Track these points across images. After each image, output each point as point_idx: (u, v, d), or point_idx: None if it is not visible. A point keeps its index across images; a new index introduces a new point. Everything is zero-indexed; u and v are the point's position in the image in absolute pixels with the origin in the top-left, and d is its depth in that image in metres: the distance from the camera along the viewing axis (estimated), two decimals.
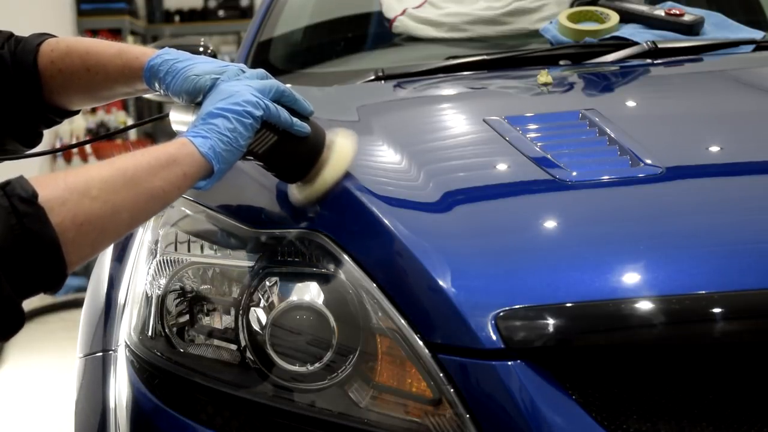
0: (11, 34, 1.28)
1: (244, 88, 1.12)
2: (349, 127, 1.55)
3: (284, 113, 1.14)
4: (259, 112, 1.10)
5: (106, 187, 0.97)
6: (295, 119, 1.15)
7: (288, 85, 1.17)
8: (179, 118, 1.20)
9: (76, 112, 1.33)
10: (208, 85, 1.14)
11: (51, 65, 1.23)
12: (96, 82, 1.24)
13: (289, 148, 1.16)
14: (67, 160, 5.88)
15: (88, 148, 5.92)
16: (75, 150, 5.86)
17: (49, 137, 4.91)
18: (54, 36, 1.29)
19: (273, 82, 1.16)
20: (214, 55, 2.28)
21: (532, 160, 1.25)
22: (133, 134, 6.57)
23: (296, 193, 1.20)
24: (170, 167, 1.03)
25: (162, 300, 1.21)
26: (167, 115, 1.27)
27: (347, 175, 1.20)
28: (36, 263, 0.90)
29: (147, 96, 1.41)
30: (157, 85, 1.19)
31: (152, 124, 7.38)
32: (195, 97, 1.15)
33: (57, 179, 0.95)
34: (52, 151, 1.38)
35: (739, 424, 0.97)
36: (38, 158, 1.35)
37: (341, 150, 1.20)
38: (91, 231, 0.95)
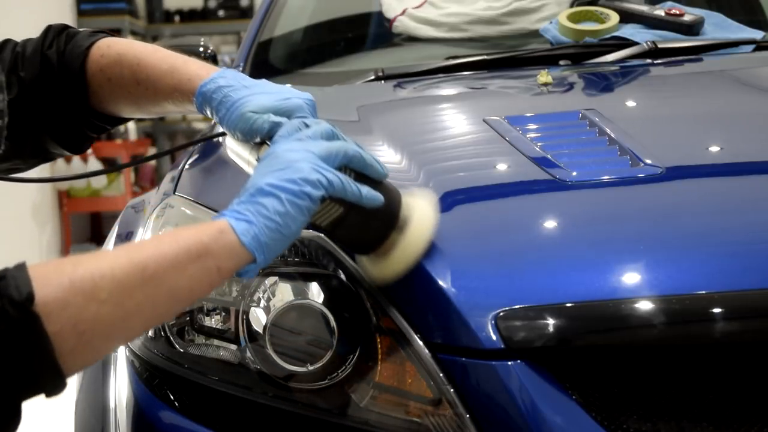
0: (64, 28, 1.22)
1: (304, 156, 0.95)
2: (348, 127, 1.55)
3: (352, 186, 0.97)
4: (318, 193, 0.93)
5: (118, 289, 0.83)
6: (364, 189, 0.98)
7: (356, 147, 1.01)
8: (235, 149, 1.10)
9: (127, 120, 1.27)
10: (265, 129, 1.02)
11: (100, 73, 1.16)
12: (146, 97, 1.16)
13: (358, 221, 0.99)
14: (66, 160, 5.88)
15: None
16: None
17: None
18: (108, 34, 1.21)
19: (340, 147, 0.98)
20: (214, 56, 2.28)
21: (532, 160, 1.25)
22: (133, 134, 6.56)
23: (370, 268, 1.05)
24: (201, 261, 0.87)
25: None
26: (217, 136, 1.19)
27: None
28: (28, 373, 0.79)
29: None
30: (209, 112, 1.09)
31: (153, 123, 7.38)
32: (251, 138, 1.04)
33: (62, 273, 0.82)
34: (49, 180, 1.28)
35: (739, 424, 0.97)
36: (42, 166, 1.30)
37: (421, 216, 1.03)
38: (95, 339, 0.82)
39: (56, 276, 0.81)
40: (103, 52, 1.17)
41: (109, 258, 0.85)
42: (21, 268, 0.81)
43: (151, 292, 0.85)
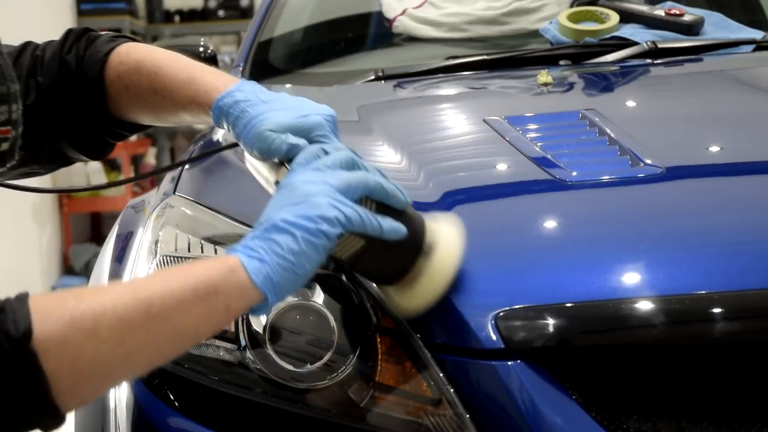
0: (84, 31, 1.20)
1: (321, 189, 0.90)
2: (349, 127, 1.55)
3: (371, 221, 0.92)
4: (335, 231, 0.89)
5: (120, 327, 0.80)
6: (386, 222, 0.94)
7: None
8: (254, 164, 1.08)
9: (147, 127, 1.25)
10: (283, 150, 0.98)
11: (118, 80, 1.15)
12: (163, 107, 1.14)
13: (380, 253, 0.95)
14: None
15: None
16: None
17: None
18: (128, 39, 1.19)
19: (360, 178, 0.93)
20: (214, 56, 2.28)
21: (532, 160, 1.25)
22: (133, 135, 6.55)
23: (397, 299, 1.01)
24: (209, 300, 0.84)
25: None
26: (234, 146, 1.17)
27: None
28: (23, 409, 0.77)
29: None
30: (226, 126, 1.06)
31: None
32: (268, 158, 1.00)
33: (63, 307, 0.79)
34: (55, 191, 1.28)
35: (739, 424, 0.97)
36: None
37: (446, 243, 0.99)
38: (93, 377, 0.80)
39: (57, 311, 0.79)
40: (122, 58, 1.15)
41: (113, 294, 0.82)
42: (22, 300, 0.79)
43: (154, 331, 0.82)
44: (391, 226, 0.94)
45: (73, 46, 1.18)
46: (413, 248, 0.98)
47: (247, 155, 1.09)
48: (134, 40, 1.20)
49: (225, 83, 1.08)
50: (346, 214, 0.90)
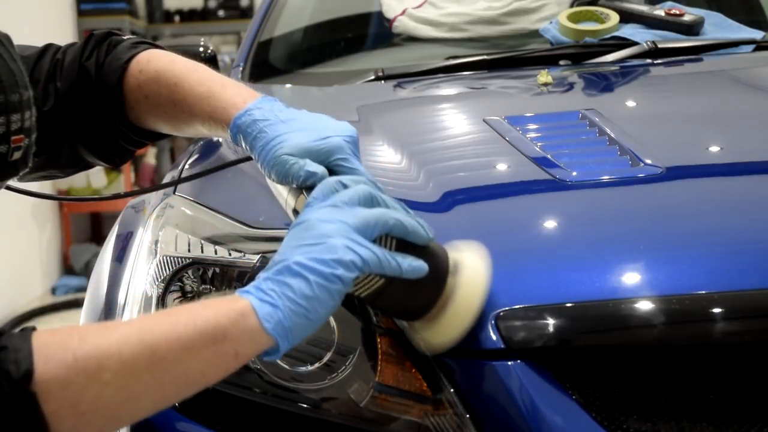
0: (107, 35, 1.19)
1: (338, 228, 0.87)
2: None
3: (390, 261, 0.89)
4: (352, 275, 0.85)
5: (124, 371, 0.78)
6: (405, 262, 0.90)
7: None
8: (275, 185, 1.05)
9: (166, 136, 1.23)
10: (301, 177, 0.96)
11: (137, 89, 1.14)
12: (181, 119, 1.13)
13: (401, 290, 0.92)
14: None
15: None
16: None
17: None
18: (151, 46, 1.18)
19: (379, 216, 0.90)
20: (214, 56, 2.28)
21: (532, 160, 1.25)
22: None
23: (423, 334, 0.98)
24: (218, 345, 0.81)
25: (162, 300, 1.20)
26: (247, 160, 1.15)
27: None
28: None
29: None
30: (244, 145, 1.03)
31: None
32: (286, 183, 0.99)
33: (67, 348, 0.77)
34: (52, 197, 1.28)
35: (739, 424, 0.97)
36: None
37: (471, 278, 0.96)
38: (96, 420, 0.78)
39: (60, 351, 0.77)
40: (142, 67, 1.14)
41: (119, 335, 0.80)
42: (25, 338, 0.78)
43: (159, 376, 0.80)
44: (411, 266, 0.91)
45: (94, 51, 1.17)
46: (436, 283, 0.94)
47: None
48: (156, 46, 1.19)
49: (244, 99, 1.05)
50: (362, 257, 0.86)
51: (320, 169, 0.97)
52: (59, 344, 0.78)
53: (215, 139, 1.61)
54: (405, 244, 0.92)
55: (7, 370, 0.75)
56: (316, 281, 0.84)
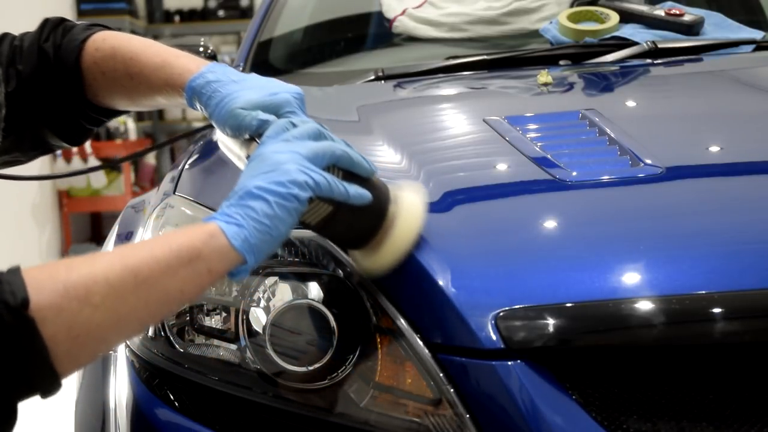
0: (61, 21, 1.23)
1: (291, 157, 0.95)
2: (349, 127, 1.55)
3: (338, 186, 0.98)
4: (306, 194, 0.94)
5: (111, 293, 0.84)
6: (352, 188, 0.99)
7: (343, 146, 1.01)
8: (226, 143, 1.12)
9: (123, 113, 1.28)
10: (254, 126, 1.03)
11: (94, 66, 1.18)
12: (138, 91, 1.18)
13: (347, 218, 1.00)
14: (66, 160, 5.88)
15: (88, 147, 5.92)
16: (75, 149, 5.86)
17: None
18: (104, 28, 1.23)
19: (327, 147, 0.99)
20: (214, 56, 2.28)
21: (532, 160, 1.25)
22: (132, 134, 6.57)
23: (362, 261, 1.07)
24: (193, 264, 0.89)
25: None
26: (208, 128, 1.21)
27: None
28: (24, 375, 0.81)
29: None
30: (199, 107, 1.10)
31: (153, 123, 7.38)
32: (240, 135, 1.05)
33: (56, 278, 0.83)
34: (50, 177, 1.33)
35: (739, 424, 0.97)
36: (40, 161, 1.34)
37: (409, 210, 1.05)
38: (89, 342, 0.84)
39: (50, 281, 0.82)
40: (98, 45, 1.19)
41: (103, 263, 0.86)
42: (15, 272, 0.82)
43: (144, 296, 0.86)
44: (357, 192, 0.99)
45: (50, 34, 1.21)
46: (378, 214, 1.03)
47: (218, 135, 1.13)
48: (109, 29, 1.24)
49: (197, 65, 1.12)
50: (314, 179, 0.95)
51: (271, 117, 1.04)
52: (48, 275, 0.83)
53: (215, 138, 1.61)
54: (351, 176, 1.01)
55: (5, 300, 0.79)
56: (276, 201, 0.93)
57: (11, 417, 0.83)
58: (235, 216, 0.92)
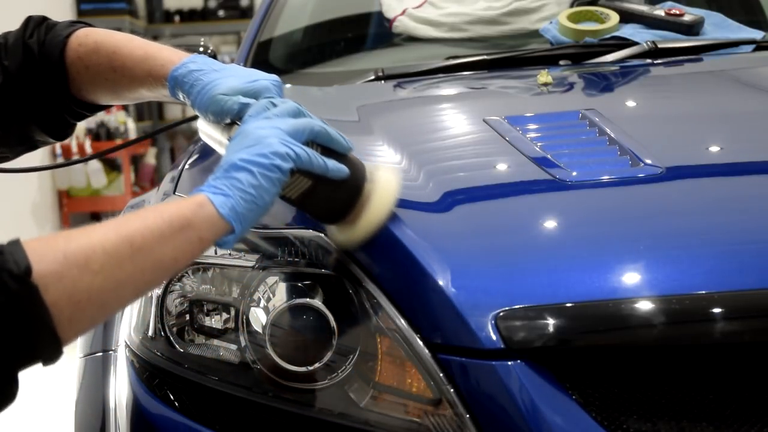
0: (43, 19, 1.26)
1: (272, 132, 1.00)
2: (349, 127, 1.55)
3: (317, 159, 1.03)
4: (287, 165, 0.99)
5: (109, 261, 0.87)
6: (330, 162, 1.04)
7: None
8: (207, 131, 1.15)
9: (106, 107, 1.30)
10: (235, 110, 1.07)
11: (78, 61, 1.20)
12: (122, 84, 1.20)
13: (325, 192, 1.05)
14: (66, 159, 5.89)
15: (87, 148, 5.93)
16: (74, 149, 5.87)
17: None
18: (87, 24, 1.26)
19: (306, 123, 1.04)
20: (214, 56, 2.28)
21: (532, 160, 1.25)
22: (132, 134, 6.57)
23: (337, 234, 1.11)
24: (184, 232, 0.93)
25: (162, 300, 1.21)
26: (193, 119, 1.24)
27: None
28: (28, 342, 0.83)
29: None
30: (181, 96, 1.13)
31: (153, 124, 7.38)
32: (221, 119, 1.09)
33: (56, 247, 0.86)
34: (52, 167, 1.36)
35: (739, 424, 0.97)
36: (38, 151, 1.37)
37: (384, 187, 1.10)
38: (89, 307, 0.87)
39: (50, 250, 0.85)
40: (81, 41, 1.21)
41: (99, 233, 0.89)
42: (16, 243, 0.85)
43: (139, 263, 0.90)
44: (335, 166, 1.04)
45: (34, 31, 1.23)
46: (354, 189, 1.08)
47: (200, 124, 1.15)
48: (91, 26, 1.26)
49: (179, 57, 1.15)
50: (295, 152, 1.00)
51: (252, 101, 1.08)
52: (48, 245, 0.86)
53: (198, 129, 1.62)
54: (329, 152, 1.05)
55: (8, 269, 0.82)
56: (260, 171, 0.97)
57: (13, 387, 0.84)
58: (221, 187, 0.97)
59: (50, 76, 1.21)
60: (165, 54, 1.16)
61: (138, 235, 0.90)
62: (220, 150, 1.12)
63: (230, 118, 1.08)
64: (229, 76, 1.10)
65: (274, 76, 1.12)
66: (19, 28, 1.25)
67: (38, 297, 0.82)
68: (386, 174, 1.11)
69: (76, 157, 5.78)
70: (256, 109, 1.05)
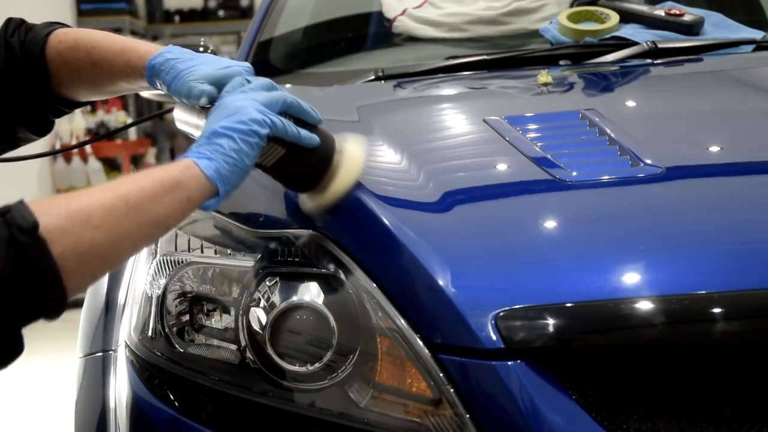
0: (22, 21, 1.28)
1: (249, 103, 1.08)
2: (349, 127, 1.55)
3: (291, 127, 1.10)
4: (264, 131, 1.06)
5: (108, 217, 0.94)
6: (302, 131, 1.11)
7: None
8: (183, 118, 1.20)
9: (85, 104, 1.35)
10: (209, 92, 1.13)
11: (58, 57, 1.24)
12: (100, 77, 1.24)
13: (298, 160, 1.12)
14: (66, 160, 5.89)
15: (88, 148, 5.93)
16: (75, 150, 5.86)
17: (48, 137, 4.90)
18: (64, 25, 1.29)
19: (279, 95, 1.12)
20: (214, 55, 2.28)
21: (532, 160, 1.25)
22: (132, 134, 6.57)
23: (307, 201, 1.18)
24: (174, 192, 1.00)
25: (162, 300, 1.21)
26: (168, 112, 1.27)
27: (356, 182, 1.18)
28: (36, 294, 0.88)
29: (145, 94, 1.41)
30: (158, 84, 1.18)
31: (152, 124, 7.39)
32: (197, 101, 1.14)
33: (59, 206, 0.92)
34: (53, 153, 1.38)
35: (739, 424, 0.97)
36: (39, 151, 1.40)
37: (352, 157, 1.17)
38: (92, 260, 0.93)
39: (54, 208, 0.91)
40: (60, 38, 1.25)
41: (96, 193, 0.96)
42: (21, 202, 0.90)
43: (135, 219, 0.96)
44: (307, 134, 1.12)
45: (15, 31, 1.26)
46: (325, 157, 1.15)
47: (176, 114, 1.21)
48: (67, 26, 1.31)
49: (156, 48, 1.21)
50: (271, 119, 1.07)
51: (230, 86, 1.13)
52: (51, 204, 0.92)
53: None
54: (300, 123, 1.13)
55: (18, 224, 0.87)
56: (239, 137, 1.05)
57: (20, 340, 0.88)
58: (205, 152, 1.04)
59: (32, 74, 1.24)
60: (142, 46, 1.22)
61: (133, 195, 0.97)
62: (196, 134, 1.16)
63: (206, 100, 1.14)
64: (204, 63, 1.16)
65: (246, 63, 1.19)
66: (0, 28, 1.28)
67: (47, 249, 0.87)
68: (354, 145, 1.18)
69: (76, 159, 5.78)
70: (232, 85, 1.12)
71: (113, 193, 0.96)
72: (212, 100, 1.13)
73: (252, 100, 1.08)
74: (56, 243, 0.88)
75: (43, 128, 1.31)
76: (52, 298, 0.89)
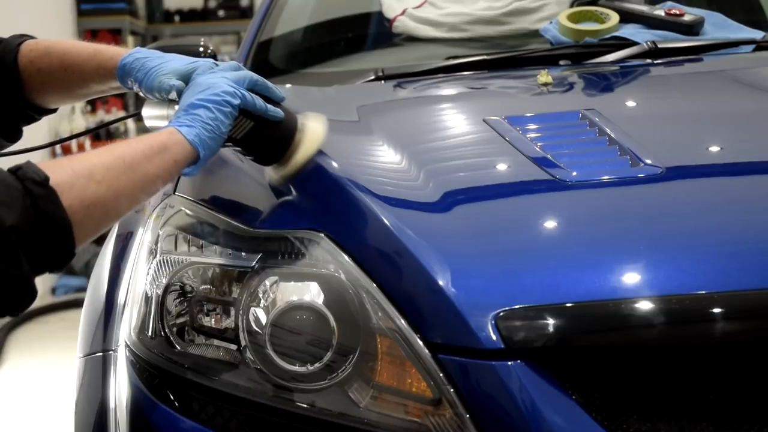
0: None
1: (220, 79, 1.19)
2: (349, 127, 1.55)
3: (259, 101, 1.21)
4: (236, 101, 1.17)
5: (108, 173, 1.03)
6: (269, 105, 1.22)
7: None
8: (153, 114, 1.28)
9: (54, 110, 1.39)
10: (178, 85, 1.21)
11: (30, 64, 1.30)
12: (72, 81, 1.30)
13: (264, 133, 1.23)
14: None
15: (87, 146, 5.92)
16: (74, 149, 5.86)
17: (48, 136, 4.91)
18: (34, 38, 1.35)
19: (246, 73, 1.23)
20: (214, 56, 2.27)
21: (532, 160, 1.25)
22: (133, 134, 6.57)
23: (272, 173, 1.28)
24: (162, 154, 1.10)
25: (162, 300, 1.21)
26: (136, 114, 1.31)
27: (342, 170, 1.24)
28: (49, 243, 0.95)
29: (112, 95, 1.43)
30: (130, 83, 1.26)
31: None
32: (168, 94, 1.22)
33: (63, 165, 0.99)
34: (54, 143, 1.44)
35: (739, 424, 0.97)
36: (37, 153, 1.41)
37: (312, 132, 1.27)
38: (96, 213, 1.01)
39: (59, 166, 0.99)
40: (32, 47, 1.31)
41: (94, 154, 1.06)
42: (29, 162, 0.97)
43: (131, 177, 1.06)
44: (273, 109, 1.23)
45: None
46: (288, 131, 1.26)
47: (144, 113, 1.29)
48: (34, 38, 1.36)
49: (126, 50, 1.29)
50: (241, 92, 1.19)
51: (200, 70, 1.22)
52: (55, 163, 1.00)
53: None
54: (266, 100, 1.23)
55: (31, 177, 0.95)
56: (215, 107, 1.16)
57: (34, 289, 0.95)
58: (184, 121, 1.14)
59: (5, 82, 1.29)
60: (112, 49, 1.29)
61: (127, 155, 1.07)
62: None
63: (176, 92, 1.21)
64: (172, 60, 1.25)
65: (212, 60, 1.26)
66: None
67: (58, 200, 0.95)
68: (314, 122, 1.28)
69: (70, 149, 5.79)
70: (202, 68, 1.22)
71: (111, 153, 1.06)
72: (182, 94, 1.21)
73: (222, 77, 1.20)
74: (65, 195, 0.96)
75: (14, 135, 1.36)
76: (63, 247, 0.97)
